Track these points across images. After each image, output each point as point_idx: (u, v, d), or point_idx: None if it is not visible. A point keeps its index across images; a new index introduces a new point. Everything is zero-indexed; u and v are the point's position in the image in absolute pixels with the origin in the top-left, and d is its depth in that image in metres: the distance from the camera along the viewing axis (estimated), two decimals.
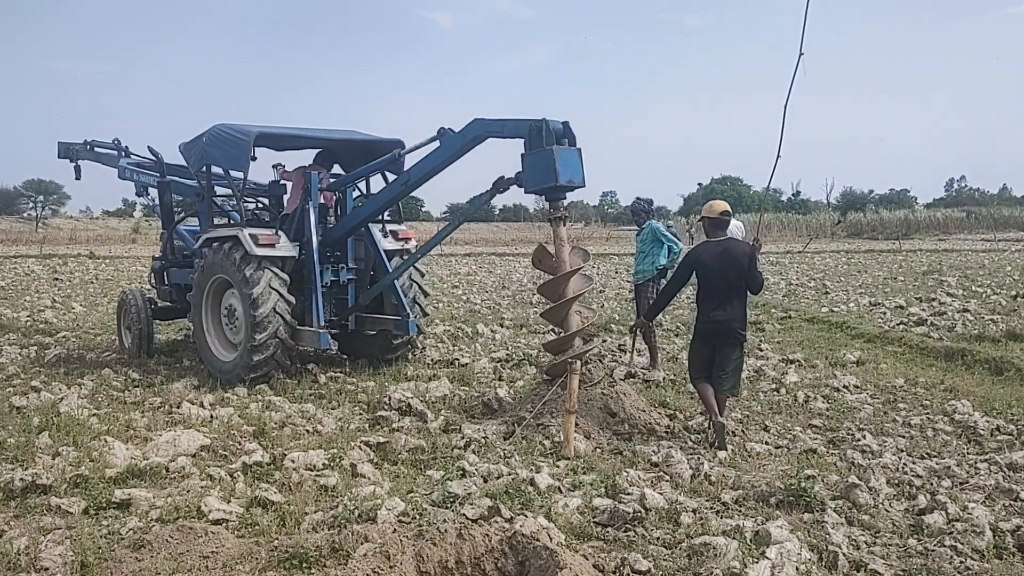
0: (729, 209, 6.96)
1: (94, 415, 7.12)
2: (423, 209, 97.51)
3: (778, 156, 6.84)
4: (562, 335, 7.12)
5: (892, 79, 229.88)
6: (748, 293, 6.75)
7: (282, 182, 9.99)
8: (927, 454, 6.35)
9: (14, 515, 4.87)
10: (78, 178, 13.05)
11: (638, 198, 10.06)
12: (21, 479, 5.19)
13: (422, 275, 10.06)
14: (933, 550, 4.48)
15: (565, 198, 7.19)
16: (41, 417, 6.86)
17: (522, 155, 7.27)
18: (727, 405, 6.90)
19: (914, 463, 5.99)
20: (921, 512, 5.03)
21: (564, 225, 7.09)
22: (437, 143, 8.35)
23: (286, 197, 9.99)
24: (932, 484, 5.57)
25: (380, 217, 9.95)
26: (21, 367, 9.53)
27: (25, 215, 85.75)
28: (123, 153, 12.25)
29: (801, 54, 6.60)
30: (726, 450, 6.33)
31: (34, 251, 43.43)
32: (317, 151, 10.27)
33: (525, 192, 7.44)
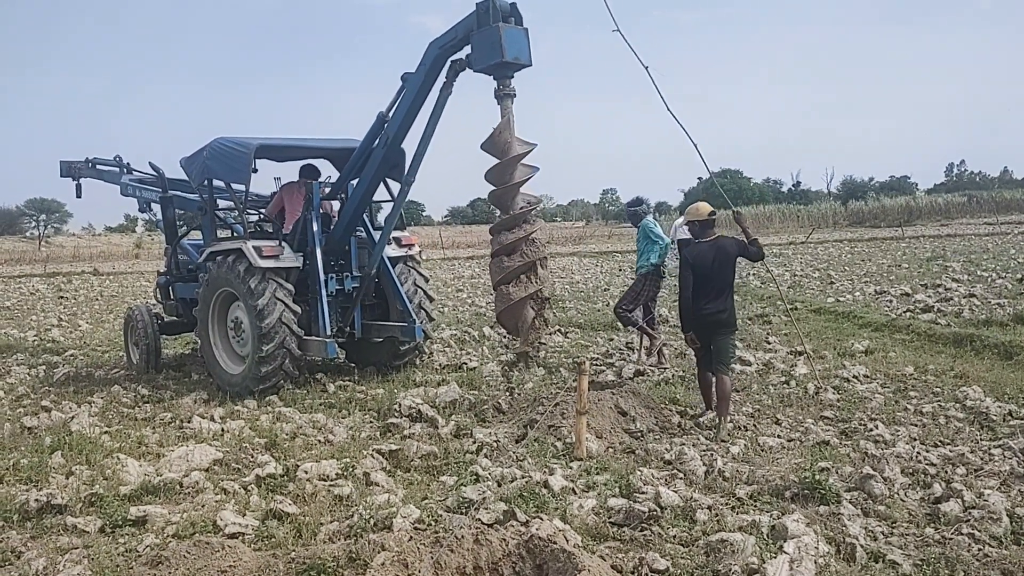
0: (714, 209, 7.23)
1: (105, 433, 7.14)
2: (424, 213, 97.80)
3: (700, 154, 7.49)
4: (508, 215, 7.50)
5: (887, 65, 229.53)
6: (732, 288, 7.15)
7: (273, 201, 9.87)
8: (940, 442, 6.34)
9: (31, 536, 4.89)
10: (79, 196, 13.08)
11: (629, 201, 10.32)
12: (36, 499, 5.20)
13: (426, 280, 10.08)
14: (951, 538, 4.48)
15: (512, 76, 7.38)
16: (53, 437, 6.88)
17: (471, 34, 7.45)
18: (731, 398, 7.06)
19: (928, 451, 5.98)
20: (937, 500, 5.02)
21: (512, 103, 7.33)
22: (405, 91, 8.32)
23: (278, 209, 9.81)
24: (947, 472, 5.56)
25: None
26: (30, 387, 9.55)
27: (28, 234, 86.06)
28: (125, 169, 12.28)
29: (646, 67, 7.28)
30: (726, 439, 6.50)
31: (38, 270, 43.54)
32: (303, 164, 10.20)
33: (474, 71, 7.57)
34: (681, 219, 9.81)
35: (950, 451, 5.99)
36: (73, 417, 7.64)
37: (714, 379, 7.02)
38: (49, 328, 15.97)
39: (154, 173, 11.51)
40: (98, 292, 26.72)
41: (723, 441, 6.49)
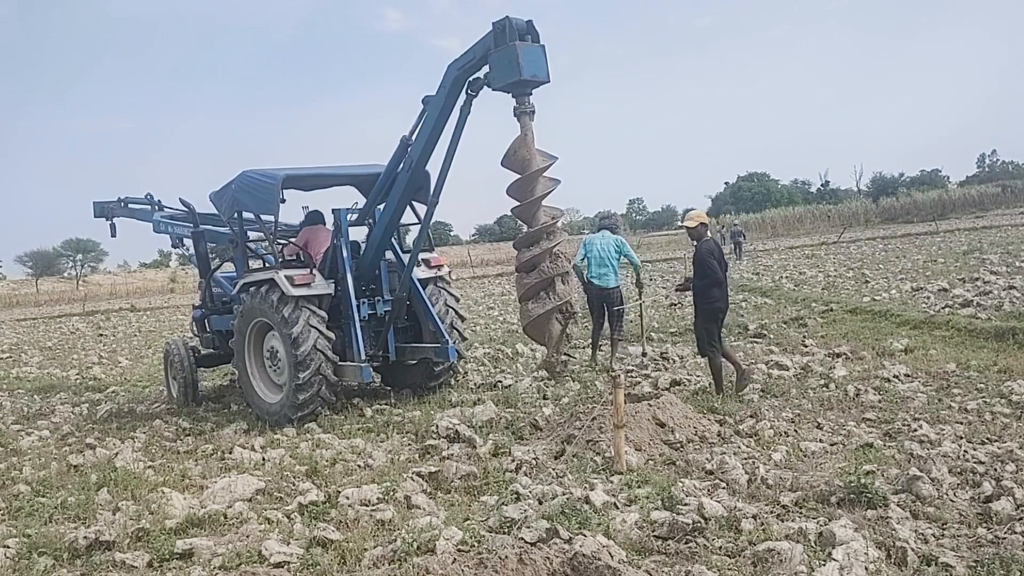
0: None
1: (149, 467, 7.23)
2: (451, 233, 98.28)
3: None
4: (527, 232, 7.54)
5: (910, 56, 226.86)
6: None
7: (298, 246, 9.89)
8: (987, 439, 6.21)
9: (81, 573, 4.95)
10: (113, 235, 13.35)
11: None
12: (85, 537, 5.26)
13: (457, 300, 10.10)
14: (1004, 537, 4.37)
15: (531, 94, 7.40)
16: (98, 473, 6.98)
17: (488, 53, 7.49)
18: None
19: (975, 449, 5.86)
20: (988, 499, 4.92)
21: (531, 120, 7.36)
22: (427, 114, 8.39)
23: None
24: (996, 469, 5.44)
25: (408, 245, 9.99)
26: (75, 425, 9.71)
27: (66, 274, 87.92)
28: (156, 207, 12.50)
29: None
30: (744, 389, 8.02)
31: (77, 309, 44.42)
32: (308, 211, 10.47)
33: (492, 89, 7.60)
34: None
35: (998, 448, 5.87)
36: (117, 453, 7.75)
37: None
38: (90, 366, 16.25)
39: (185, 209, 11.71)
40: (136, 328, 27.17)
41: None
